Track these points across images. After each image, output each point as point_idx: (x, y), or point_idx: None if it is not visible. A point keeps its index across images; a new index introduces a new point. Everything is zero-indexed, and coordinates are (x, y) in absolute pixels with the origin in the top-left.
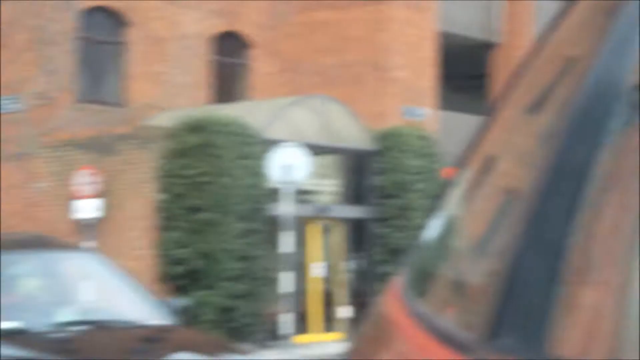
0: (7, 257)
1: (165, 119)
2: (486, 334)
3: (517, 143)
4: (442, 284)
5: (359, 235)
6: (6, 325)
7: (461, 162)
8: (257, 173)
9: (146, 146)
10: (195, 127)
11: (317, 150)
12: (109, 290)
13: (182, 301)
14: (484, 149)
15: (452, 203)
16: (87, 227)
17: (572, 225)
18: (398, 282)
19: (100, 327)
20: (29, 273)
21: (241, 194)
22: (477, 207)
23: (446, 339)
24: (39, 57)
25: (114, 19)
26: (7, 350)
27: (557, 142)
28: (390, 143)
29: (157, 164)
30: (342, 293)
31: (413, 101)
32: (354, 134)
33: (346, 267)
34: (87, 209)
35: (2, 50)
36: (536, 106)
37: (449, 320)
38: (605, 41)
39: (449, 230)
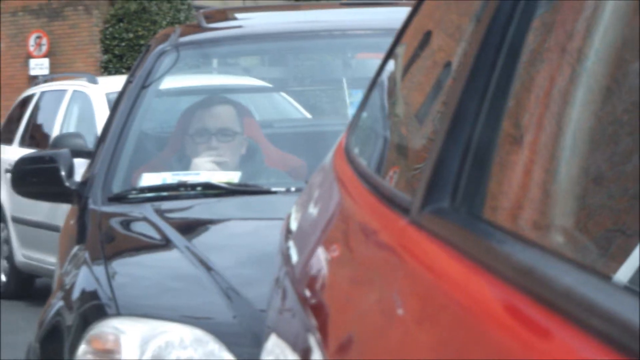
0: None
1: None
2: (422, 198)
3: (451, 20)
4: (385, 147)
5: None
6: None
7: (397, 38)
8: None
9: (90, 12)
10: None
11: None
12: None
13: None
14: (418, 25)
15: (392, 74)
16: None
17: (503, 95)
18: (344, 141)
19: None
20: None
21: None
22: (415, 78)
23: (386, 199)
24: None
25: None
26: None
27: (488, 19)
28: None
29: (100, 27)
30: None
31: None
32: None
33: None
34: (39, 67)
35: None
36: None
37: (389, 181)
38: None
39: (390, 98)
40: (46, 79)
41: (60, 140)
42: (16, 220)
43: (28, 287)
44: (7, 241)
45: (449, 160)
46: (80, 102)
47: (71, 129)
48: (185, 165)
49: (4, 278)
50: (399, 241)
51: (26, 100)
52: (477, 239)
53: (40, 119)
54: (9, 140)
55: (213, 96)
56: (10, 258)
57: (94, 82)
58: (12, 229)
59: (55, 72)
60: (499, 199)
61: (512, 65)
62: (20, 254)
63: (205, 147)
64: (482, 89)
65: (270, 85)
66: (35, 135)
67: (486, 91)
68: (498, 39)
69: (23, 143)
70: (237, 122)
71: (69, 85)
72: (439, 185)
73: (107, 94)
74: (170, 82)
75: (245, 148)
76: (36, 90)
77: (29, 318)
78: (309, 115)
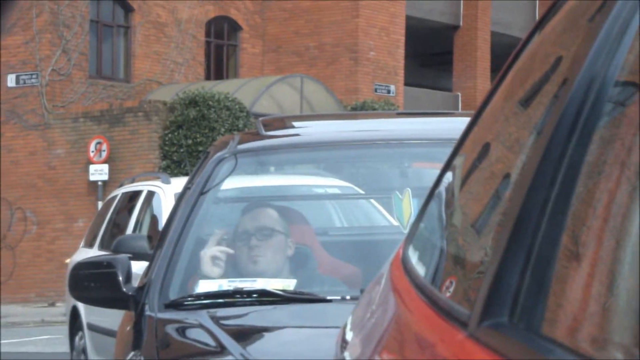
0: None
1: (164, 94)
2: (480, 312)
3: (509, 133)
4: (441, 258)
5: None
6: None
7: (456, 149)
8: None
9: (150, 118)
10: (192, 101)
11: None
12: None
13: None
14: (476, 137)
15: (450, 185)
16: (98, 188)
17: (563, 208)
18: (401, 252)
19: None
20: None
21: None
22: (473, 189)
23: (443, 312)
24: (56, 39)
25: (121, 6)
26: None
27: (549, 133)
28: None
29: (159, 134)
30: None
31: (384, 79)
32: (329, 108)
33: None
34: (99, 172)
35: (24, 32)
36: (527, 100)
37: (444, 291)
38: (593, 40)
39: (447, 209)
40: (127, 181)
41: (122, 243)
42: (90, 327)
43: None
44: (84, 350)
45: (508, 274)
46: (153, 202)
47: (143, 229)
48: (237, 272)
49: None
50: (457, 355)
51: (109, 203)
52: (536, 356)
53: (117, 221)
54: (90, 244)
55: (255, 202)
56: None
57: (167, 182)
58: (87, 337)
59: (114, 178)
60: (558, 314)
61: (572, 179)
62: None
63: (245, 248)
64: (542, 203)
65: (358, 190)
66: (112, 237)
67: (546, 205)
68: (559, 152)
69: (102, 246)
70: (278, 223)
71: (145, 186)
72: (498, 300)
73: (176, 195)
74: (254, 181)
75: (292, 251)
76: (118, 192)
77: None
78: (395, 223)
